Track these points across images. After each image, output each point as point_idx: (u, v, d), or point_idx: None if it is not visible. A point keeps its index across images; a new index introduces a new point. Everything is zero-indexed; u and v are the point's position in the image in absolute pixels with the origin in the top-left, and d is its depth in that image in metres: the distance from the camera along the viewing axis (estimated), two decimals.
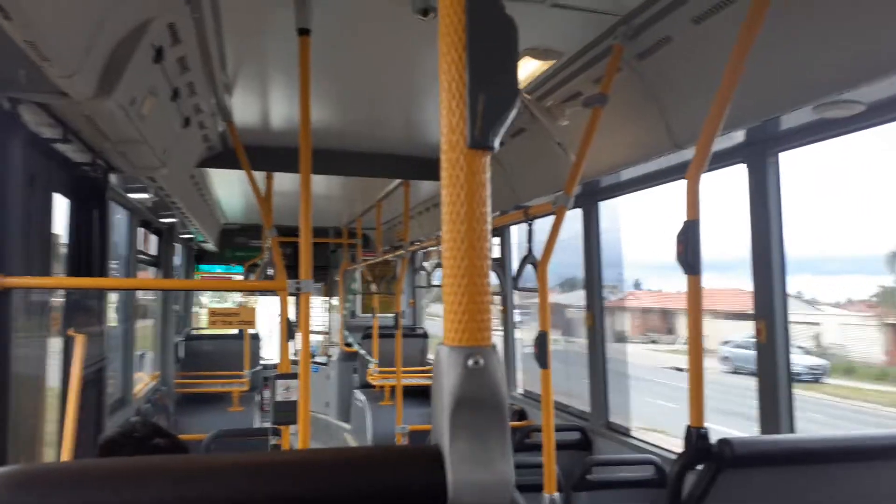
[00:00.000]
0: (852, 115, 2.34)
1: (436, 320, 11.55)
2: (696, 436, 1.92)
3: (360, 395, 7.94)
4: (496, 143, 0.65)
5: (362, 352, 8.45)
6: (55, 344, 3.30)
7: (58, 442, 3.11)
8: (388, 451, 0.66)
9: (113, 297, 5.14)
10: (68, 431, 2.86)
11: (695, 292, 2.03)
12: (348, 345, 9.16)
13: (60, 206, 3.34)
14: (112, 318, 5.13)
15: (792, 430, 3.02)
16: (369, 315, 8.74)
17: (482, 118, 0.64)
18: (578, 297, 4.90)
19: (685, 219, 2.02)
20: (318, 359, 10.04)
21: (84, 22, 1.93)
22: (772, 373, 3.01)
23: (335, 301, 10.67)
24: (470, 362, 0.63)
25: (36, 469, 0.58)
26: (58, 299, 3.41)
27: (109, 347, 4.33)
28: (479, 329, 0.64)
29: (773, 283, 3.01)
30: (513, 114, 0.65)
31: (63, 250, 3.45)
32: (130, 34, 2.23)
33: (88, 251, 3.55)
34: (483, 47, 0.63)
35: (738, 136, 2.95)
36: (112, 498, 0.56)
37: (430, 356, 8.87)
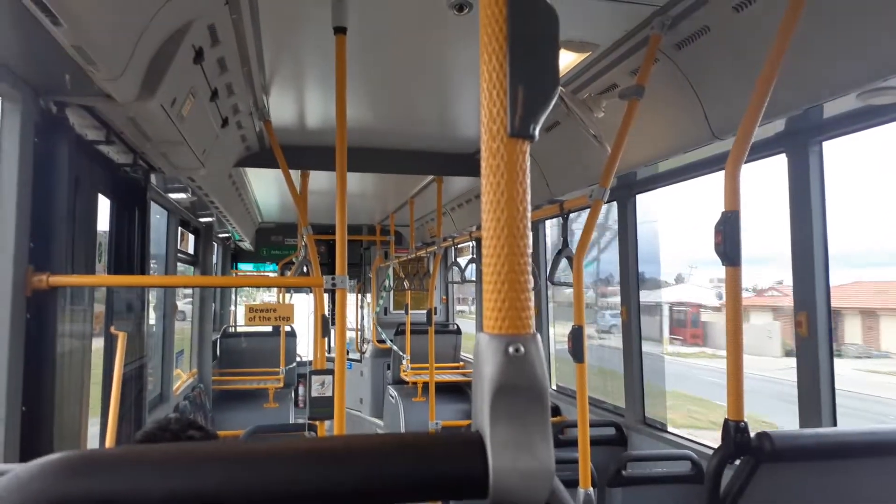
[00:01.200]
0: None
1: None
2: (734, 429, 1.89)
3: (393, 391, 7.99)
4: (536, 133, 0.65)
5: (395, 348, 8.50)
6: (98, 341, 3.39)
7: (100, 437, 3.20)
8: (429, 437, 0.66)
9: (153, 296, 5.25)
10: (110, 426, 2.94)
11: (734, 284, 2.01)
12: (381, 341, 9.23)
13: (103, 207, 3.43)
14: (152, 316, 5.25)
15: (833, 423, 2.96)
16: (402, 311, 8.79)
17: (522, 107, 0.64)
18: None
19: (724, 209, 2.00)
20: (351, 355, 10.14)
21: (129, 26, 1.99)
22: (813, 366, 2.96)
23: (368, 298, 10.75)
24: (511, 350, 0.64)
25: (89, 455, 0.60)
26: (100, 297, 3.50)
27: (149, 345, 4.44)
28: (519, 317, 0.64)
29: (816, 275, 2.95)
30: (553, 103, 0.65)
31: (106, 250, 3.54)
32: (172, 36, 2.28)
33: (130, 250, 3.63)
34: (524, 36, 0.64)
35: (779, 126, 2.89)
36: (166, 483, 0.58)
37: (464, 353, 8.88)
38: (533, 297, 0.66)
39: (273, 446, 0.63)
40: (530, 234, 0.66)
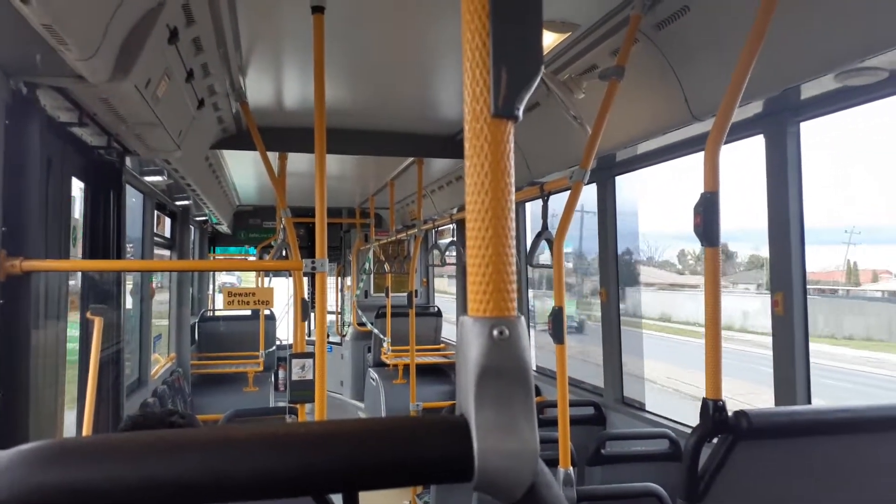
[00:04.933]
0: (875, 81, 2.30)
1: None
2: (713, 408, 1.92)
3: (373, 373, 8.01)
4: (520, 113, 0.64)
5: (376, 331, 8.50)
6: (74, 327, 3.34)
7: (77, 423, 3.17)
8: (413, 421, 0.66)
9: (129, 280, 5.19)
10: (87, 412, 2.92)
11: (713, 264, 2.03)
12: (361, 324, 9.21)
13: (77, 190, 3.37)
14: (128, 300, 5.19)
15: (808, 401, 3.02)
16: (382, 295, 8.78)
17: (506, 87, 0.63)
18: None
19: (703, 190, 2.01)
20: (331, 338, 10.12)
21: (101, 4, 1.94)
22: (788, 344, 3.01)
23: (348, 281, 10.73)
24: (495, 333, 0.63)
25: (65, 443, 0.59)
26: (75, 282, 3.45)
27: (126, 329, 4.39)
28: (503, 299, 0.64)
29: (792, 255, 2.99)
30: (537, 82, 0.64)
31: (80, 233, 3.49)
32: (146, 15, 2.23)
33: (105, 234, 3.58)
34: (507, 14, 0.63)
35: (756, 107, 2.91)
36: (142, 470, 0.57)
37: (444, 335, 8.91)
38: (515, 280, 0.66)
39: (252, 432, 0.62)
40: (514, 217, 0.65)
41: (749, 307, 17.97)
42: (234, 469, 0.59)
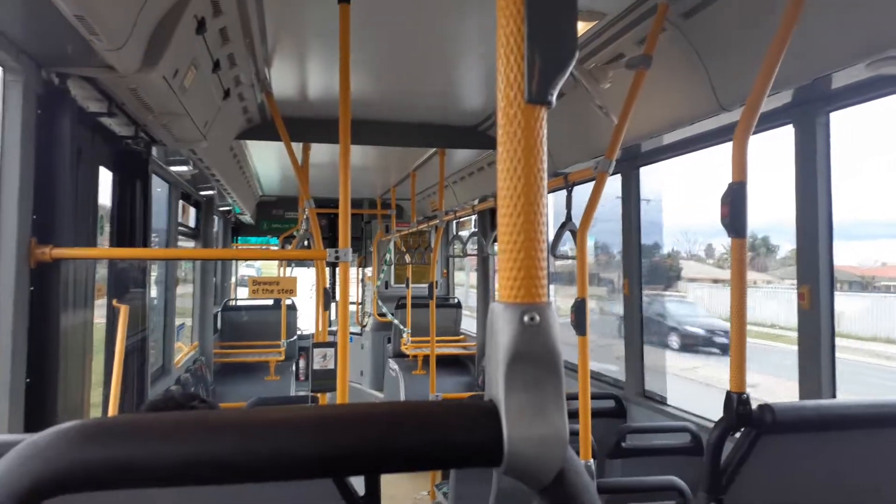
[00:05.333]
0: None
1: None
2: (736, 401, 1.90)
3: (393, 364, 8.04)
4: (553, 99, 0.64)
5: (396, 321, 8.55)
6: (101, 314, 3.40)
7: (103, 409, 3.22)
8: (442, 405, 0.66)
9: (154, 269, 5.26)
10: (113, 398, 2.97)
11: (739, 256, 2.01)
12: (382, 314, 9.25)
13: (105, 179, 3.42)
14: (154, 289, 5.26)
15: (833, 395, 2.98)
16: (402, 285, 8.82)
17: (540, 72, 0.63)
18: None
19: (731, 181, 1.99)
20: (352, 328, 10.18)
21: None
22: (815, 338, 2.97)
23: (369, 272, 10.77)
24: (525, 318, 0.63)
25: (105, 422, 0.60)
26: (102, 270, 3.51)
27: (151, 318, 4.45)
28: (534, 286, 0.64)
29: (819, 248, 2.95)
30: (571, 67, 0.64)
31: (108, 222, 3.54)
32: (174, 6, 2.26)
33: (132, 223, 3.63)
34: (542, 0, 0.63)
35: (785, 97, 2.86)
36: (179, 449, 0.58)
37: (464, 326, 8.92)
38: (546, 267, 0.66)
39: (285, 413, 0.63)
40: (546, 203, 0.66)
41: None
42: (268, 449, 0.60)
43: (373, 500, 1.36)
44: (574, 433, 2.95)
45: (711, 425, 2.06)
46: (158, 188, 5.09)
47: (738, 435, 1.86)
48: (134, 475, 0.57)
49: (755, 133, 2.06)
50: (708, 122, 3.12)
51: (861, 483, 1.82)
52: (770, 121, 3.07)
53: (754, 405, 1.86)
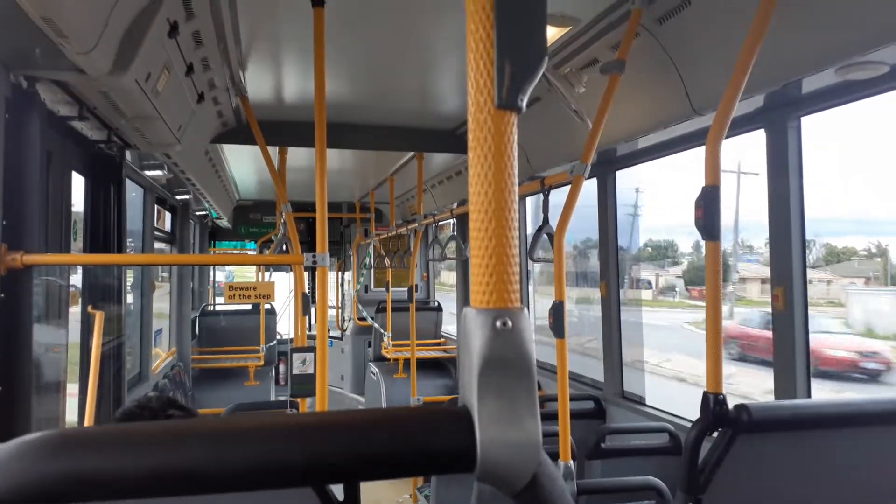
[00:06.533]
0: (876, 76, 2.30)
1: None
2: (713, 401, 1.92)
3: (374, 367, 8.02)
4: (524, 104, 0.64)
5: (376, 325, 8.51)
6: (75, 321, 3.35)
7: (79, 417, 3.17)
8: (416, 411, 0.66)
9: (130, 275, 5.20)
10: (89, 406, 2.92)
11: (713, 258, 2.03)
12: (362, 318, 9.22)
13: (78, 185, 3.37)
14: (129, 295, 5.19)
15: (808, 395, 3.02)
16: (382, 289, 8.80)
17: (510, 78, 0.63)
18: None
19: (704, 184, 2.01)
20: (332, 333, 10.13)
21: None
22: (789, 340, 3.01)
23: (348, 276, 10.73)
24: (498, 324, 0.63)
25: (66, 433, 0.59)
26: (77, 277, 3.45)
27: (127, 324, 4.39)
28: (506, 291, 0.64)
29: (792, 250, 2.99)
30: (541, 73, 0.64)
31: (81, 228, 3.49)
32: (146, 8, 2.23)
33: (106, 228, 3.58)
34: (511, 5, 0.63)
35: (757, 101, 2.91)
36: (146, 459, 0.57)
37: (444, 329, 8.92)
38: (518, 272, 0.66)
39: (256, 421, 0.62)
40: (517, 208, 0.65)
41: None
42: (238, 459, 0.59)
43: None
44: (553, 434, 2.96)
45: (689, 425, 2.07)
46: (133, 193, 5.02)
47: (715, 435, 1.88)
48: (101, 487, 0.56)
49: (728, 137, 2.08)
50: (682, 126, 3.16)
51: (836, 480, 1.84)
52: (743, 125, 3.12)
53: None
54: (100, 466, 0.56)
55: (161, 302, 6.78)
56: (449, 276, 11.35)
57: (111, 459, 0.56)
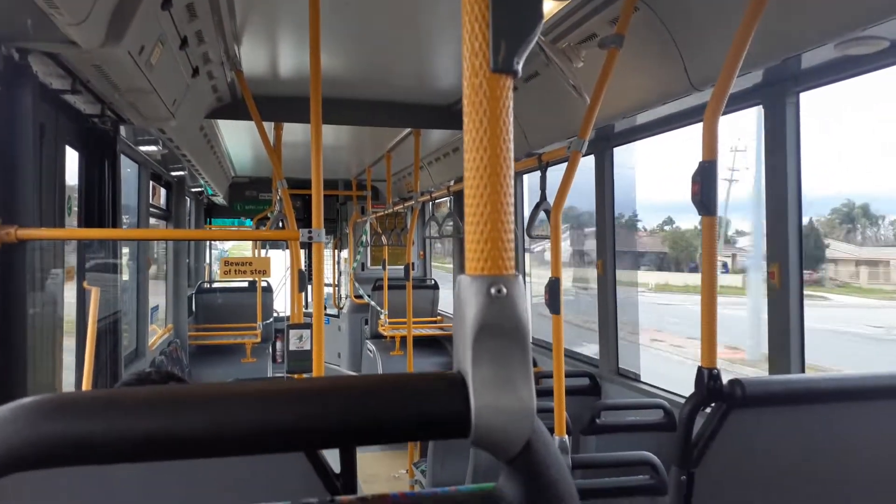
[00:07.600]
0: (876, 51, 2.28)
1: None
2: (707, 376, 1.93)
3: (371, 345, 8.06)
4: (519, 68, 0.63)
5: (373, 303, 8.53)
6: (70, 296, 3.34)
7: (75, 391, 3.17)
8: (410, 377, 0.66)
9: (125, 251, 5.19)
10: (85, 382, 2.93)
11: (710, 233, 2.03)
12: (359, 296, 9.25)
13: (72, 160, 3.35)
14: (125, 271, 5.19)
15: (802, 370, 3.05)
16: (379, 267, 8.81)
17: (505, 41, 0.62)
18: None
19: (701, 159, 2.00)
20: (329, 311, 10.16)
21: None
22: (784, 316, 3.02)
23: (345, 254, 10.73)
24: (492, 290, 0.63)
25: (65, 397, 0.59)
26: (72, 252, 3.44)
27: (123, 300, 4.39)
28: (501, 258, 0.64)
29: (789, 226, 2.99)
30: (537, 35, 0.63)
31: (76, 203, 3.47)
32: None
33: (100, 203, 3.57)
34: None
35: (756, 77, 2.89)
36: (141, 423, 0.57)
37: (441, 308, 8.95)
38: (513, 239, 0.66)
39: (251, 387, 0.62)
40: (513, 174, 0.65)
41: None
42: (232, 423, 0.59)
43: (348, 477, 1.36)
44: (549, 410, 2.98)
45: (683, 401, 2.09)
46: (128, 169, 5.00)
47: (709, 410, 1.89)
48: (95, 451, 0.56)
49: (725, 113, 2.07)
50: (681, 101, 3.14)
51: (829, 455, 1.86)
52: (740, 101, 3.10)
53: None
54: (94, 430, 0.56)
55: (157, 279, 6.79)
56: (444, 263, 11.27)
57: (106, 423, 0.56)
